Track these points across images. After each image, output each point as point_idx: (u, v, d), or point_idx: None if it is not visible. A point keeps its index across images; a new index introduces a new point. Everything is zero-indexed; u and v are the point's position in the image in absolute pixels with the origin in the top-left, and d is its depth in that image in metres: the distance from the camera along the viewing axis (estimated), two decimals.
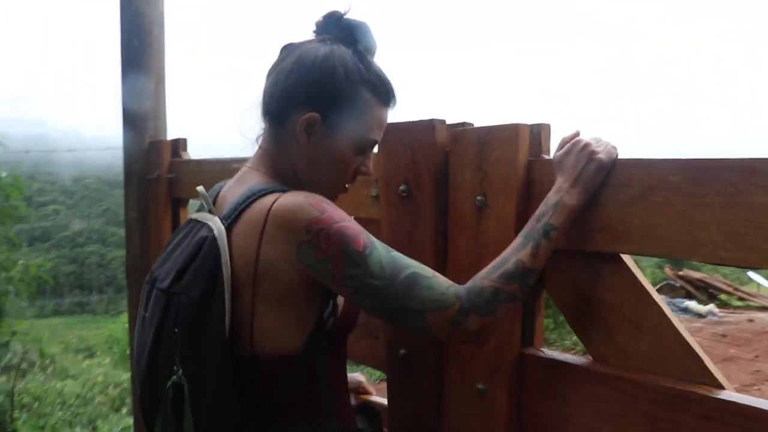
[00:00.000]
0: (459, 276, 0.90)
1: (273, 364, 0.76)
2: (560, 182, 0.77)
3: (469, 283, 0.74)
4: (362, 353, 1.12)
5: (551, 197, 0.77)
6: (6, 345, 3.11)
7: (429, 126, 0.92)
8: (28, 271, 3.18)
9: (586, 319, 0.82)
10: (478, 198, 0.87)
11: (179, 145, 1.83)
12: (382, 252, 0.74)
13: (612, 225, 0.76)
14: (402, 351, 0.98)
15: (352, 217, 0.77)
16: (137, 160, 1.89)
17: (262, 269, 0.73)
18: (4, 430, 2.87)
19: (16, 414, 2.99)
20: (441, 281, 0.74)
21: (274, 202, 0.74)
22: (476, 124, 0.92)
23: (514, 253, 0.75)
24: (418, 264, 0.75)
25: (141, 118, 1.91)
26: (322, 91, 0.79)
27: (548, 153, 0.85)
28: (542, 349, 0.88)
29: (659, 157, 0.72)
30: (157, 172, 1.82)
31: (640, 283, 0.76)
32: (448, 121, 0.95)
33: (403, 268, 0.73)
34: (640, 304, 0.76)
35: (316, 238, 0.72)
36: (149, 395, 0.79)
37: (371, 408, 1.05)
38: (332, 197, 0.85)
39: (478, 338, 0.75)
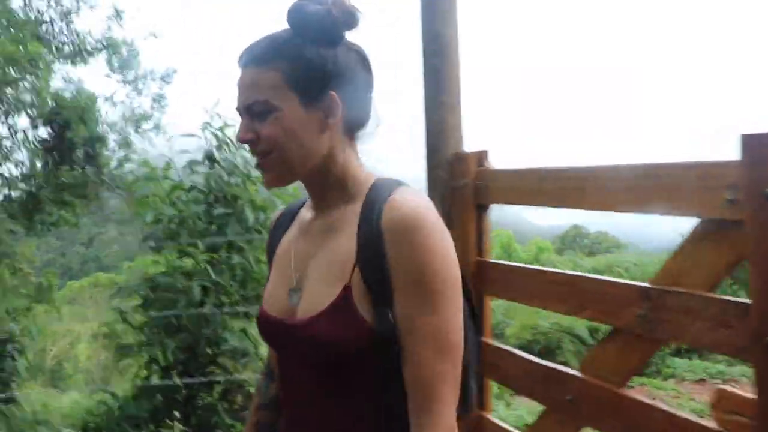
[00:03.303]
0: None
1: None
2: None
3: None
4: (717, 342, 1.33)
5: None
6: None
7: None
8: None
9: None
10: None
11: (483, 156, 2.19)
12: None
13: None
14: None
15: None
16: (440, 169, 2.30)
17: None
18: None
19: None
20: None
21: None
22: None
23: None
24: None
25: (442, 131, 2.31)
26: None
27: None
28: None
29: None
30: (463, 181, 2.21)
31: None
32: None
33: None
34: None
35: None
36: None
37: None
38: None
39: None
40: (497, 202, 2.11)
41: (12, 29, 6.32)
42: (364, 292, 0.97)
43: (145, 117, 8.37)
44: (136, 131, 8.29)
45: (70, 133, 6.91)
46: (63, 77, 7.91)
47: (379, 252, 0.96)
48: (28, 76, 6.25)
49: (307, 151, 1.02)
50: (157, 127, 8.51)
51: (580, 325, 7.89)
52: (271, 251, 1.22)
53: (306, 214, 1.16)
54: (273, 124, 1.00)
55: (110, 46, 7.61)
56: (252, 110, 1.01)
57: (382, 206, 0.98)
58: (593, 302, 1.64)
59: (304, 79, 1.00)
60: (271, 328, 1.09)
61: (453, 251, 0.99)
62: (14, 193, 7.31)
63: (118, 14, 7.79)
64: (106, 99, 7.98)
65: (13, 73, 6.22)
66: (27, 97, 6.68)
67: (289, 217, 1.22)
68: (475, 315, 1.14)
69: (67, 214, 7.21)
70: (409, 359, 0.96)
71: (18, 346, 4.24)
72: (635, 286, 1.53)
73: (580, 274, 1.73)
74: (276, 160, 1.03)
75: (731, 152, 1.25)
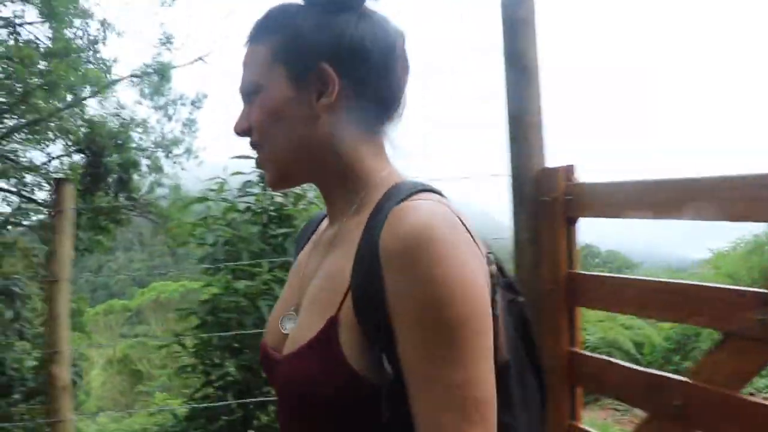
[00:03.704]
0: None
1: None
2: None
3: None
4: None
5: None
6: None
7: None
8: None
9: None
10: None
11: (571, 170, 2.29)
12: None
13: None
14: None
15: None
16: (527, 185, 2.39)
17: None
18: None
19: None
20: None
21: None
22: None
23: None
24: None
25: (526, 149, 2.41)
26: None
27: None
28: None
29: None
30: (552, 195, 2.30)
31: None
32: None
33: None
34: None
35: None
36: None
37: None
38: None
39: None
40: (590, 215, 2.21)
41: (63, 56, 6.53)
42: (355, 327, 0.77)
43: (176, 142, 8.58)
44: (167, 156, 8.48)
45: (105, 159, 7.08)
46: (102, 103, 8.12)
47: (375, 279, 0.74)
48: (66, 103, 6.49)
49: (296, 138, 0.86)
50: (188, 151, 8.70)
51: (626, 339, 7.98)
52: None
53: (325, 222, 1.00)
54: (259, 106, 0.87)
55: (159, 71, 7.82)
56: (244, 93, 0.90)
57: (385, 218, 0.77)
58: (704, 309, 1.71)
59: (291, 49, 0.85)
60: (264, 362, 0.93)
61: (476, 279, 0.75)
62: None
63: (168, 40, 8.01)
64: (138, 125, 8.20)
65: (57, 103, 6.42)
66: (66, 125, 6.87)
67: (313, 226, 1.08)
68: (535, 353, 0.92)
69: (104, 238, 7.35)
70: (422, 425, 0.73)
71: (78, 370, 4.31)
72: (753, 291, 1.61)
73: (687, 282, 1.80)
74: (268, 154, 0.90)
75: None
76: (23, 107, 6.16)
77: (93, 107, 7.84)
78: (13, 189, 7.55)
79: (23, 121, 6.49)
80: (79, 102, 6.79)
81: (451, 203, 0.83)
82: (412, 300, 0.72)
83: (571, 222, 2.25)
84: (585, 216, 2.21)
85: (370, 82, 0.86)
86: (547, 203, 2.29)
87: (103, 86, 6.99)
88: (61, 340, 2.32)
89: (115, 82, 7.89)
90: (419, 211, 0.76)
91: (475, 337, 0.73)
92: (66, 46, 6.45)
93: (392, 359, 0.74)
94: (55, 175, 7.47)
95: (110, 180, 7.25)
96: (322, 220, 1.06)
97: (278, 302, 1.00)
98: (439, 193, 0.85)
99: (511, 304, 0.88)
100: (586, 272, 2.22)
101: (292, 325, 0.89)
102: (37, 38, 7.34)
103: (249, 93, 0.89)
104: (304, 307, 0.87)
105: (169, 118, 8.67)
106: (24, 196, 7.68)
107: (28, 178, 7.54)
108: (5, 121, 6.57)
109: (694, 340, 7.69)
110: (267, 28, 0.88)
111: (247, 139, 0.93)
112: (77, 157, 7.39)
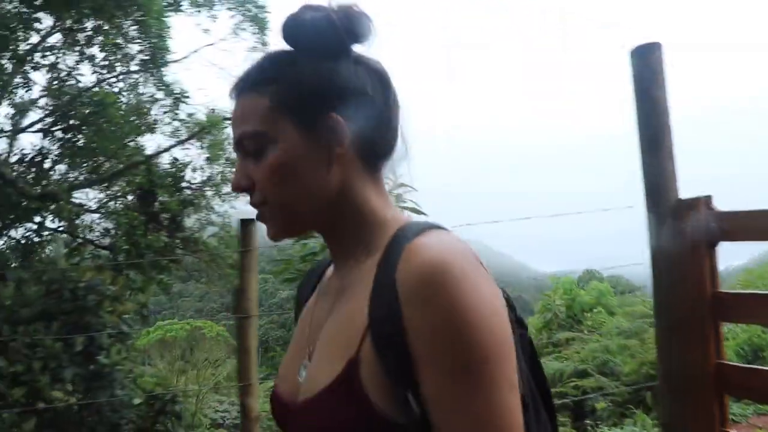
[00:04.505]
0: None
1: None
2: None
3: None
4: None
5: None
6: None
7: None
8: None
9: None
10: None
11: (710, 201, 2.59)
12: None
13: None
14: None
15: None
16: (665, 216, 2.69)
17: None
18: None
19: None
20: None
21: None
22: None
23: None
24: None
25: (660, 184, 2.72)
26: None
27: None
28: None
29: None
30: (692, 224, 2.60)
31: None
32: None
33: None
34: None
35: None
36: None
37: None
38: None
39: None
40: (730, 240, 2.52)
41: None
42: (378, 367, 0.77)
43: (226, 180, 8.82)
44: (217, 195, 8.73)
45: (162, 198, 7.34)
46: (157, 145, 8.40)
47: (395, 316, 0.75)
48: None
49: (312, 190, 0.87)
50: None
51: None
52: (296, 318, 1.09)
53: (329, 271, 1.03)
54: (269, 162, 0.86)
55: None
56: (244, 147, 0.89)
57: (399, 256, 0.79)
58: None
59: (297, 99, 0.86)
60: (279, 411, 0.93)
61: (498, 309, 0.78)
62: (101, 260, 7.66)
63: None
64: (187, 164, 8.48)
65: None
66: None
67: (316, 276, 1.09)
68: (546, 387, 0.96)
69: (165, 277, 7.55)
70: None
71: (183, 408, 4.45)
72: None
73: None
74: (275, 207, 0.89)
75: None
76: (122, 152, 6.46)
77: (150, 147, 8.17)
78: (65, 229, 7.77)
79: (115, 167, 6.79)
80: (178, 144, 7.13)
81: (461, 239, 0.85)
82: (437, 332, 0.74)
83: (712, 247, 2.55)
84: (726, 241, 2.52)
85: (373, 126, 0.90)
86: (687, 231, 2.59)
87: (210, 125, 7.31)
88: (252, 372, 2.56)
89: (221, 120, 8.15)
90: (434, 246, 0.79)
91: (500, 366, 0.75)
92: (168, 91, 6.80)
93: (416, 396, 0.75)
94: (111, 215, 7.73)
95: (163, 219, 7.50)
96: (325, 268, 1.07)
97: (288, 351, 1.00)
98: (447, 231, 0.88)
99: (521, 339, 0.90)
100: (731, 291, 2.53)
101: (306, 374, 0.89)
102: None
103: (250, 146, 0.87)
104: (318, 352, 0.88)
105: (218, 157, 8.95)
106: (79, 237, 7.88)
107: (81, 218, 7.78)
108: (105, 164, 6.88)
109: (760, 355, 7.84)
110: (263, 79, 0.87)
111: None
112: (131, 197, 7.68)
